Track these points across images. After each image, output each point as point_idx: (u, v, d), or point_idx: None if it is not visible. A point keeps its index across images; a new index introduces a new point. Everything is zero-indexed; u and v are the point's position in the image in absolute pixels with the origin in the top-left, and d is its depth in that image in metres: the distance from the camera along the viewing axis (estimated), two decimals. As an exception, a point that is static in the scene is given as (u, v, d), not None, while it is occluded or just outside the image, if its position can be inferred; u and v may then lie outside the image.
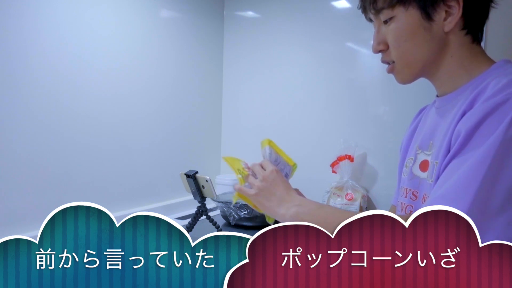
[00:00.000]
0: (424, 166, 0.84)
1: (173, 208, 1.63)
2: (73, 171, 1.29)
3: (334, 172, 1.56)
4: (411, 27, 0.79)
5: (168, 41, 1.61)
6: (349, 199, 1.49)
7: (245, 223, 1.44)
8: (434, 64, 0.82)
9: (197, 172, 1.24)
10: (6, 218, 1.13)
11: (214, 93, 1.88)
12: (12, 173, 1.14)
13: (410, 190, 0.86)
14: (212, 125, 1.89)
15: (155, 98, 1.57)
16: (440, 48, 0.80)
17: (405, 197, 0.88)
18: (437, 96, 0.89)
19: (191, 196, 1.29)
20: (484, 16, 0.82)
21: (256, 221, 1.44)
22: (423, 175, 0.83)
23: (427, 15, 0.78)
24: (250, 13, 1.84)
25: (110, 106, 1.40)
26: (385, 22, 0.84)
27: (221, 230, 1.26)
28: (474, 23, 0.80)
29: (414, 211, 0.73)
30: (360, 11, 0.91)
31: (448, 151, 0.71)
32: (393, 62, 0.85)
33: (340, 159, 1.53)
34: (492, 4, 0.82)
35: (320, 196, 1.58)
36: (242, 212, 1.43)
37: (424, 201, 0.80)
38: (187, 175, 1.24)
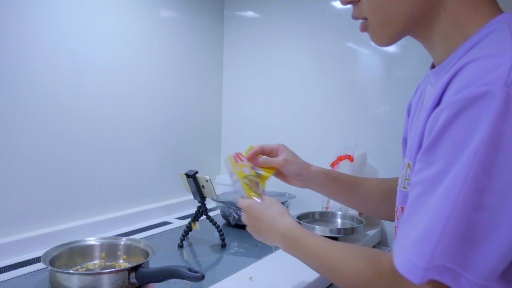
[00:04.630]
0: None
1: (173, 208, 1.63)
2: (73, 171, 1.29)
3: (334, 172, 1.56)
4: None
5: (168, 41, 1.61)
6: (349, 199, 1.49)
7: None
8: (421, 21, 0.62)
9: (197, 172, 1.24)
10: (6, 218, 1.13)
11: (214, 93, 1.88)
12: (12, 173, 1.14)
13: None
14: (212, 125, 1.89)
15: (155, 98, 1.57)
16: (428, 2, 0.60)
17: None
18: (431, 67, 0.68)
19: (191, 196, 1.29)
20: None
21: (256, 221, 1.44)
22: None
23: None
24: (250, 13, 1.84)
25: (110, 106, 1.40)
26: None
27: (221, 230, 1.26)
28: None
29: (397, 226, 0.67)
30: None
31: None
32: (366, 18, 0.66)
33: (340, 159, 1.53)
34: None
35: (320, 196, 1.57)
36: (242, 212, 1.42)
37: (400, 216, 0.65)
38: (187, 175, 1.24)
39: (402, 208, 0.65)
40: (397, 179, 0.82)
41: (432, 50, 0.65)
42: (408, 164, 0.65)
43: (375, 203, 1.00)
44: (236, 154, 0.93)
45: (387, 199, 0.92)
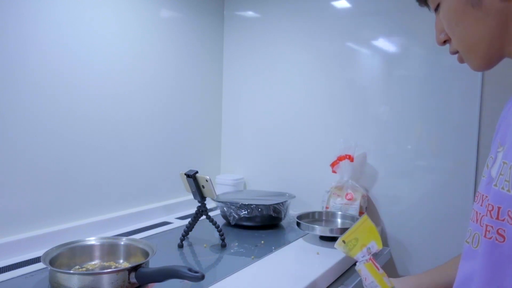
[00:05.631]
0: None
1: (173, 208, 1.63)
2: (73, 171, 1.29)
3: (334, 172, 1.56)
4: (457, 9, 0.70)
5: (169, 41, 1.61)
6: (349, 199, 1.49)
7: (245, 223, 1.44)
8: (504, 40, 0.69)
9: (197, 172, 1.24)
10: (6, 218, 1.13)
11: (214, 93, 1.89)
12: (12, 173, 1.14)
13: (487, 196, 0.71)
14: (212, 125, 1.89)
15: (155, 98, 1.57)
16: (502, 21, 0.67)
17: (481, 205, 0.72)
18: None
19: (191, 196, 1.29)
20: None
21: (255, 221, 1.44)
22: None
23: None
24: (250, 13, 1.84)
25: (110, 106, 1.40)
26: (436, 10, 0.75)
27: (221, 230, 1.26)
28: None
29: (490, 224, 0.65)
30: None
31: None
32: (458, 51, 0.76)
33: (340, 159, 1.53)
34: None
35: (320, 196, 1.58)
36: (242, 212, 1.43)
37: (500, 214, 0.65)
38: (187, 175, 1.24)
39: (499, 208, 0.66)
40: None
41: None
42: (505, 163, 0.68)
43: None
44: (371, 259, 0.92)
45: None
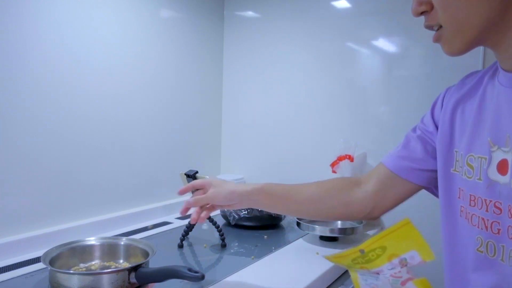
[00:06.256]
0: (503, 167, 0.64)
1: (173, 208, 1.63)
2: (73, 171, 1.29)
3: (334, 172, 1.56)
4: None
5: (169, 41, 1.61)
6: (349, 199, 1.49)
7: (245, 223, 1.44)
8: (497, 29, 0.63)
9: (197, 172, 1.24)
10: (7, 218, 1.13)
11: (214, 93, 1.89)
12: (12, 173, 1.14)
13: (491, 201, 0.65)
14: (212, 125, 1.89)
15: (155, 98, 1.57)
16: (506, 6, 0.61)
17: (486, 210, 0.66)
18: (503, 69, 0.67)
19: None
20: None
21: (255, 221, 1.44)
22: (504, 179, 0.63)
23: None
24: (250, 13, 1.84)
25: (110, 106, 1.40)
26: None
27: (221, 230, 1.26)
28: None
29: (503, 228, 0.63)
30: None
31: None
32: (441, 27, 0.67)
33: (340, 159, 1.53)
34: None
35: (320, 196, 1.58)
36: (242, 212, 1.43)
37: None
38: (187, 175, 1.24)
39: None
40: (337, 180, 0.95)
41: (507, 57, 0.65)
42: None
43: (314, 204, 0.98)
44: (408, 272, 0.68)
45: (328, 199, 0.96)
